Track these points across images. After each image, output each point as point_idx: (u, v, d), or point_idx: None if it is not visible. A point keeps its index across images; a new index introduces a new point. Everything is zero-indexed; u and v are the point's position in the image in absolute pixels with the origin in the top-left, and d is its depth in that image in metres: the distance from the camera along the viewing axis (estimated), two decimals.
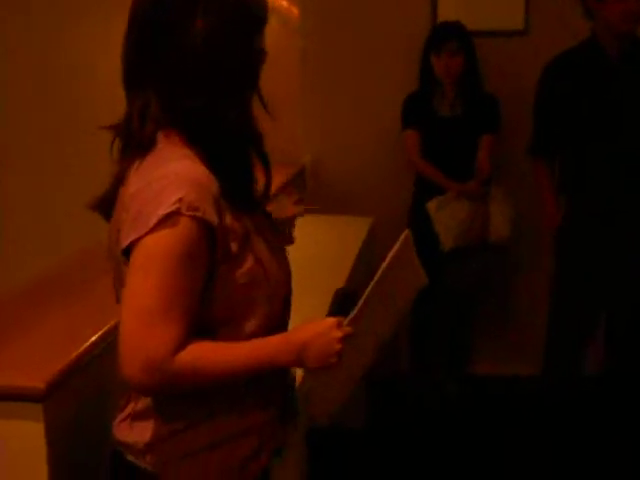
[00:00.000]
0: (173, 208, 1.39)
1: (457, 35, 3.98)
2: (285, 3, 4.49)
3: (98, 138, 1.63)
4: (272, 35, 4.66)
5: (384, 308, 1.62)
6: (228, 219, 1.48)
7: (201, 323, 1.50)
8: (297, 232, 3.88)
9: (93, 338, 1.96)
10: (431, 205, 4.00)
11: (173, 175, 1.43)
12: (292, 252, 3.48)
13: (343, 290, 1.85)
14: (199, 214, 1.41)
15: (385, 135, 4.38)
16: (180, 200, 1.39)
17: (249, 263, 1.52)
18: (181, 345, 1.42)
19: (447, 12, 4.24)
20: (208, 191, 1.44)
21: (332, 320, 1.53)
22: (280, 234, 1.74)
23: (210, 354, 1.47)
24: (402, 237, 1.63)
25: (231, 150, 1.53)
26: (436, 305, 4.13)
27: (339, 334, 1.51)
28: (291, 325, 1.71)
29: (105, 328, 2.01)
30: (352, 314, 1.55)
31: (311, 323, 1.54)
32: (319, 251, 3.54)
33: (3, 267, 3.85)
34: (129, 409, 1.61)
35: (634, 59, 3.41)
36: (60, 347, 1.91)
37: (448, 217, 3.98)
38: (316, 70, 4.48)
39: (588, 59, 3.44)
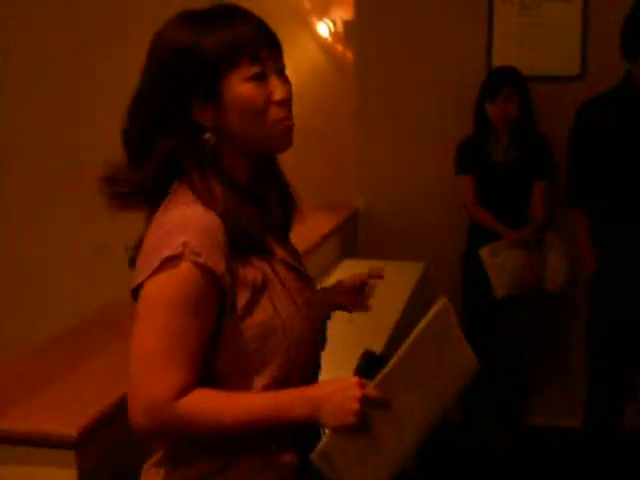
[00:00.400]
0: (176, 252, 1.39)
1: (512, 80, 3.94)
2: (340, 48, 4.51)
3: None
4: (327, 79, 4.74)
5: (424, 385, 1.52)
6: (239, 267, 1.46)
7: (210, 374, 1.47)
8: (344, 276, 3.87)
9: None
10: (484, 251, 3.94)
11: (181, 219, 1.44)
12: None
13: (371, 352, 1.78)
14: (201, 260, 1.39)
15: (439, 180, 4.35)
16: (184, 244, 1.39)
17: (263, 313, 1.48)
18: (183, 391, 1.40)
19: (502, 57, 4.23)
20: (214, 238, 1.42)
21: (354, 378, 1.45)
22: (305, 277, 1.65)
23: (214, 402, 1.43)
24: (439, 304, 1.55)
25: (233, 197, 1.50)
26: (488, 354, 4.05)
27: (358, 393, 1.41)
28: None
29: None
30: (377, 378, 1.46)
31: (332, 379, 1.47)
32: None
33: None
34: (153, 457, 1.60)
35: None
36: (93, 394, 1.91)
37: (501, 264, 3.92)
38: (371, 114, 4.48)
39: (623, 101, 3.36)
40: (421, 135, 4.44)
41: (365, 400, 1.41)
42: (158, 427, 1.42)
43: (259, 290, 1.48)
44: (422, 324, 1.51)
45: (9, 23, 4.80)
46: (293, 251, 1.70)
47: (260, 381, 1.49)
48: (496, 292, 3.93)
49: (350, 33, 4.45)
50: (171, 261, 1.39)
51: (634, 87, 3.32)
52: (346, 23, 4.46)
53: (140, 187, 1.51)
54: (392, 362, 1.48)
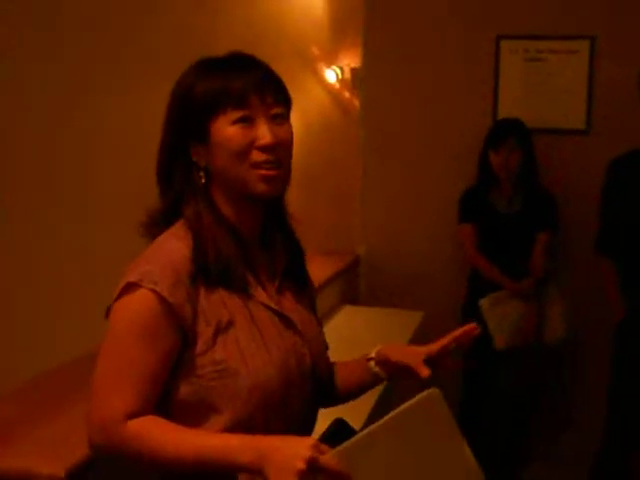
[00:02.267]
0: (136, 279, 1.46)
1: (516, 132, 3.96)
2: (347, 94, 4.54)
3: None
4: (333, 125, 4.76)
5: (407, 477, 1.41)
6: (202, 302, 1.49)
7: (171, 406, 1.51)
8: (343, 323, 3.87)
9: None
10: (484, 302, 3.93)
11: (153, 251, 1.53)
12: (334, 344, 3.44)
13: (343, 421, 1.68)
14: (157, 288, 1.44)
15: (441, 228, 4.36)
16: (145, 272, 1.46)
17: (225, 352, 1.49)
18: (132, 414, 1.43)
19: (508, 108, 4.25)
20: (176, 272, 1.47)
21: (311, 439, 1.36)
22: (291, 325, 1.62)
23: (161, 431, 1.43)
24: (427, 392, 1.46)
25: (220, 230, 1.56)
26: (487, 405, 4.02)
27: (308, 453, 1.30)
28: None
29: None
30: (339, 447, 1.35)
31: (290, 436, 1.41)
32: (363, 345, 3.48)
33: None
34: None
35: None
36: (83, 434, 1.88)
37: (501, 315, 3.90)
38: (376, 160, 4.50)
39: None
40: (425, 184, 4.45)
41: (313, 462, 1.30)
42: (108, 445, 1.45)
43: (224, 328, 1.50)
44: (403, 406, 1.44)
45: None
46: (300, 299, 1.70)
47: (220, 420, 1.49)
48: (496, 343, 3.91)
49: (357, 80, 4.48)
50: (131, 287, 1.46)
51: None
52: (353, 70, 4.49)
53: (154, 221, 1.61)
54: (360, 435, 1.39)
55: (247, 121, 1.53)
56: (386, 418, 1.42)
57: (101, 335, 2.49)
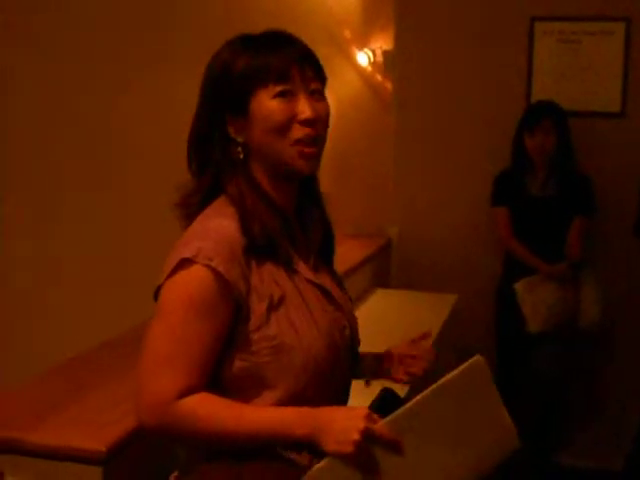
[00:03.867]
0: (190, 255, 1.44)
1: (551, 114, 3.92)
2: (379, 78, 4.52)
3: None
4: (366, 108, 4.74)
5: (449, 444, 1.45)
6: (255, 278, 1.49)
7: (223, 382, 1.50)
8: (375, 306, 3.85)
9: None
10: (519, 286, 3.90)
11: (202, 228, 1.51)
12: (367, 328, 3.44)
13: (390, 390, 1.72)
14: (213, 264, 1.43)
15: (474, 211, 4.33)
16: (199, 248, 1.44)
17: (279, 326, 1.49)
18: (186, 392, 1.43)
19: (542, 91, 4.21)
20: (230, 247, 1.47)
21: (364, 409, 1.42)
22: (333, 300, 1.64)
23: (218, 407, 1.45)
24: (472, 360, 1.49)
25: (262, 205, 1.55)
26: (520, 390, 4.00)
27: (362, 424, 1.37)
28: None
29: None
30: (389, 417, 1.41)
31: (342, 407, 1.48)
32: (396, 329, 3.46)
33: None
34: (175, 471, 1.62)
35: None
36: (125, 411, 1.89)
37: (536, 299, 3.87)
38: (408, 144, 4.47)
39: None
40: (458, 167, 4.42)
41: (368, 433, 1.37)
42: (162, 425, 1.44)
43: (276, 304, 1.51)
44: (449, 375, 1.46)
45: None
46: (332, 276, 1.73)
47: (273, 395, 1.49)
48: (530, 327, 3.88)
49: (389, 63, 4.45)
50: (185, 263, 1.44)
51: None
52: (385, 53, 4.46)
53: (192, 201, 1.59)
54: (409, 405, 1.43)
55: (288, 95, 1.53)
56: (433, 387, 1.44)
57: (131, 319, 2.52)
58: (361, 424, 1.37)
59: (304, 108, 1.53)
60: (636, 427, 3.66)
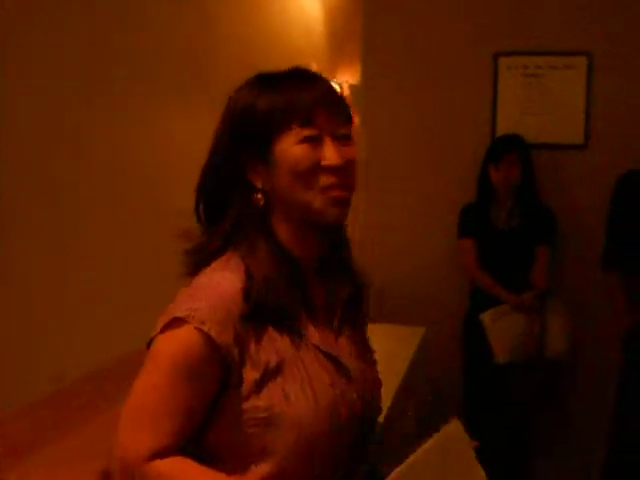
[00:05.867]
0: (183, 314, 1.35)
1: (516, 147, 4.00)
2: None
3: None
4: None
5: None
6: (251, 344, 1.38)
7: (205, 449, 1.41)
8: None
9: None
10: (486, 317, 3.94)
11: (203, 284, 1.41)
12: None
13: (370, 466, 1.59)
14: (204, 328, 1.34)
15: (441, 245, 4.37)
16: (193, 309, 1.35)
17: (271, 398, 1.38)
18: (160, 454, 1.34)
19: (507, 124, 4.28)
20: (227, 311, 1.37)
21: None
22: (344, 371, 1.48)
23: (187, 475, 1.35)
24: (450, 424, 1.46)
25: (274, 262, 1.43)
26: (490, 421, 4.03)
27: None
28: None
29: None
30: None
31: None
32: None
33: None
34: None
35: None
36: (106, 450, 1.88)
37: (503, 330, 3.91)
38: (376, 178, 4.51)
39: None
40: (426, 199, 4.47)
41: None
42: None
43: (272, 373, 1.39)
44: (428, 442, 1.43)
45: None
46: (356, 338, 1.58)
47: (258, 469, 1.39)
48: (497, 358, 3.92)
49: (356, 97, 4.50)
50: (178, 322, 1.35)
51: None
52: (352, 87, 4.51)
53: (205, 250, 1.48)
54: (391, 477, 1.39)
55: (314, 140, 1.42)
56: (412, 457, 1.41)
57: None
58: None
59: (331, 154, 1.42)
60: (603, 457, 3.70)
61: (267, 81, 1.47)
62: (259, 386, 1.37)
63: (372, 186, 4.52)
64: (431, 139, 4.44)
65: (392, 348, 3.67)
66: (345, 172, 1.43)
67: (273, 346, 1.40)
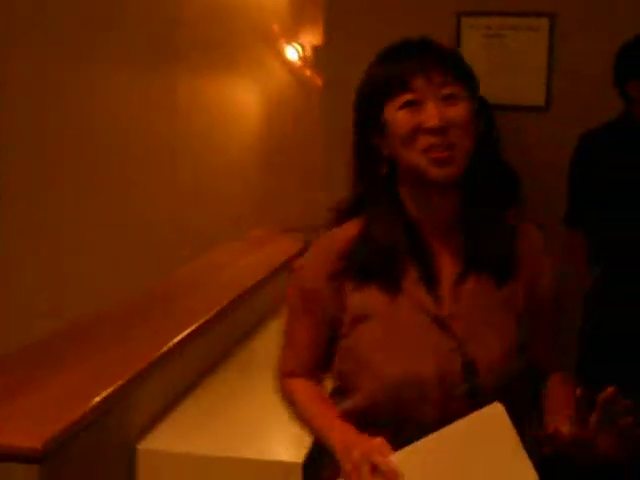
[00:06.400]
0: (298, 264, 1.68)
1: (479, 108, 3.99)
2: (309, 72, 4.53)
3: None
4: (296, 103, 4.73)
5: None
6: (349, 291, 1.58)
7: (338, 379, 1.67)
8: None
9: (96, 399, 1.93)
10: None
11: (320, 241, 1.69)
12: None
13: None
14: (309, 275, 1.63)
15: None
16: (304, 260, 1.67)
17: (354, 342, 1.58)
18: (292, 373, 1.70)
19: None
20: (330, 262, 1.59)
21: (377, 441, 1.43)
22: (448, 329, 1.54)
23: (306, 399, 1.66)
24: (491, 407, 1.44)
25: (388, 225, 1.59)
26: None
27: (371, 457, 1.39)
28: None
29: (109, 390, 1.98)
30: (400, 451, 1.42)
31: (365, 437, 1.47)
32: None
33: None
34: None
35: None
36: (62, 408, 1.87)
37: None
38: (339, 138, 4.46)
39: (621, 135, 3.43)
40: None
41: (374, 465, 1.39)
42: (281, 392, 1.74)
43: (361, 319, 1.57)
44: (466, 418, 1.44)
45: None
46: (491, 289, 1.59)
47: (351, 401, 1.60)
48: None
49: (319, 58, 4.47)
50: (295, 269, 1.68)
51: (633, 120, 3.39)
52: (315, 48, 4.48)
53: (339, 211, 1.72)
54: (420, 441, 1.43)
55: (414, 104, 1.52)
56: (447, 427, 1.44)
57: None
58: (370, 457, 1.39)
59: (428, 116, 1.50)
60: None
61: (381, 55, 1.66)
62: (350, 329, 1.58)
63: (333, 147, 4.48)
64: None
65: None
66: (445, 132, 1.50)
67: (368, 297, 1.56)
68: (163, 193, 4.80)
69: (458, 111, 1.53)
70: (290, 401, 1.70)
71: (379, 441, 1.42)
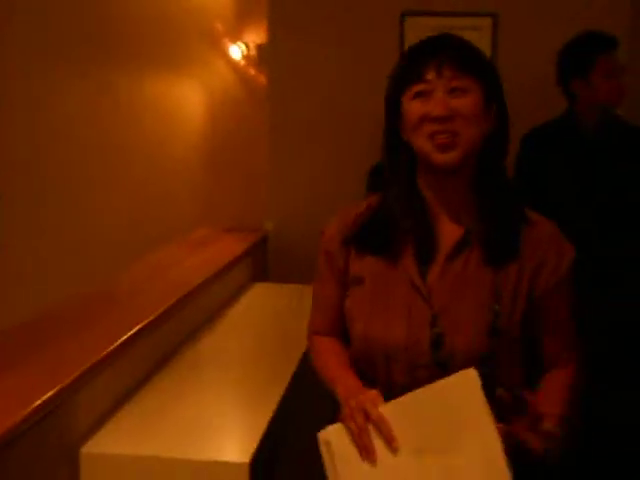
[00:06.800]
0: (323, 228, 1.88)
1: None
2: (253, 71, 4.51)
3: None
4: (240, 102, 4.72)
5: (437, 454, 1.54)
6: (352, 258, 1.79)
7: None
8: (254, 301, 3.85)
9: (37, 402, 1.89)
10: None
11: (342, 210, 1.88)
12: (247, 321, 3.42)
13: None
14: (327, 239, 1.84)
15: (346, 204, 4.35)
16: (329, 224, 1.86)
17: (348, 302, 1.79)
18: (318, 331, 1.89)
19: None
20: (344, 230, 1.80)
21: (371, 394, 1.62)
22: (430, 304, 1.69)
23: (327, 356, 1.84)
24: (465, 372, 1.57)
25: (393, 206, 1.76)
26: None
27: (365, 407, 1.59)
28: None
29: (51, 392, 1.94)
30: (387, 403, 1.60)
31: (364, 389, 1.67)
32: (276, 321, 3.49)
33: None
34: None
35: (609, 134, 3.44)
36: (0, 411, 1.83)
37: None
38: (284, 138, 4.48)
39: (564, 133, 3.47)
40: (332, 161, 4.46)
41: (366, 414, 1.58)
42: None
43: (356, 282, 1.77)
44: (442, 380, 1.58)
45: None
46: (470, 279, 1.69)
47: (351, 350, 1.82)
48: None
49: (263, 56, 4.45)
50: (322, 234, 1.87)
51: (574, 119, 3.43)
52: (259, 47, 4.46)
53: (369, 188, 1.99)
54: (404, 396, 1.60)
55: (424, 95, 1.65)
56: (427, 386, 1.59)
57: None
58: (364, 405, 1.58)
59: (433, 106, 1.64)
60: None
61: (408, 49, 1.76)
62: (348, 289, 1.79)
63: (278, 147, 4.48)
64: (338, 99, 4.41)
65: (303, 306, 3.66)
66: (450, 121, 1.63)
67: (366, 265, 1.75)
68: (108, 192, 4.76)
69: (464, 102, 1.65)
70: (312, 357, 1.89)
71: (373, 393, 1.62)
